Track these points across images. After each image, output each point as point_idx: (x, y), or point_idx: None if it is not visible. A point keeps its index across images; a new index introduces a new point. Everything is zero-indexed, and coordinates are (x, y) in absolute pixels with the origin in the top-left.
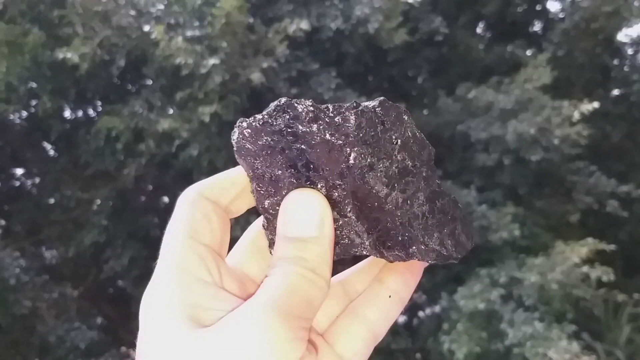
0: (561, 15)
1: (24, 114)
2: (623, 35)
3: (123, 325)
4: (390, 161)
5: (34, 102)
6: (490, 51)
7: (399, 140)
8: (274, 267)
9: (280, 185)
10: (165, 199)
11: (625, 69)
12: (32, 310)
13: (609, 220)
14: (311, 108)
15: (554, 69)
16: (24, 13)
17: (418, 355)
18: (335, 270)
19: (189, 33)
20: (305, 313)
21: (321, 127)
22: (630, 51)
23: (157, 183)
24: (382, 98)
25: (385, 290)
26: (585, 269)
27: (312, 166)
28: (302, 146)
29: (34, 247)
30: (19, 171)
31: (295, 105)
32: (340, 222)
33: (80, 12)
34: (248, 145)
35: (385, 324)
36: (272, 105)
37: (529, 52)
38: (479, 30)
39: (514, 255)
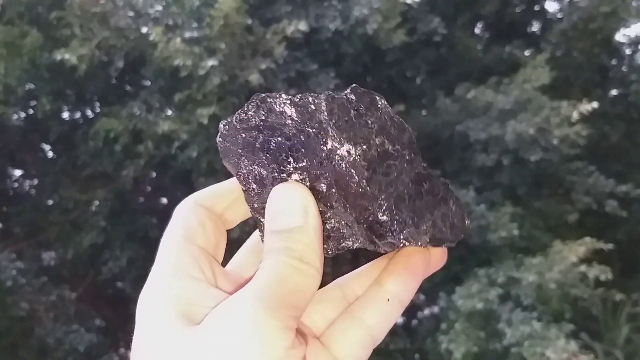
0: (559, 16)
1: (23, 115)
2: (621, 36)
3: (122, 327)
4: (368, 145)
5: (32, 104)
6: (488, 51)
7: (376, 125)
8: (262, 261)
9: (265, 182)
10: (164, 200)
11: (624, 69)
12: (30, 312)
13: (607, 220)
14: (284, 100)
15: (553, 69)
16: (22, 14)
17: (417, 355)
18: (340, 273)
19: (187, 34)
20: (294, 302)
21: (295, 117)
22: (628, 51)
23: (155, 184)
24: (353, 85)
25: (384, 293)
26: (583, 268)
27: (291, 159)
28: (280, 139)
29: (32, 248)
30: (17, 172)
31: (268, 98)
32: (328, 214)
33: (78, 14)
34: (230, 146)
35: (383, 328)
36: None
37: (527, 53)
38: (477, 30)
39: (512, 255)
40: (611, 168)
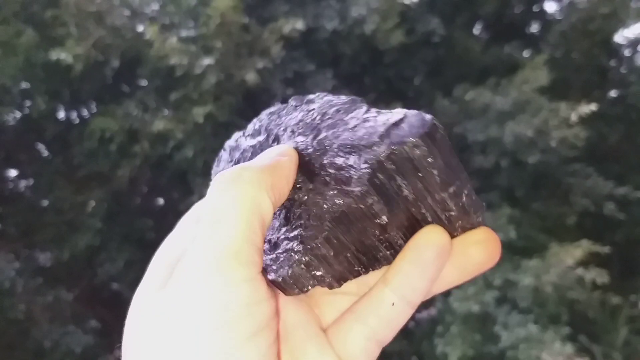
0: (558, 17)
1: (18, 114)
2: (620, 37)
3: (118, 329)
4: (311, 111)
5: (27, 103)
6: (487, 52)
7: (318, 104)
8: None
9: None
10: (160, 201)
11: (623, 70)
12: (26, 314)
13: (605, 222)
14: (241, 134)
15: (552, 71)
16: (17, 13)
17: (413, 357)
18: None
19: (183, 33)
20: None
21: (253, 136)
22: (627, 52)
23: (151, 184)
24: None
25: (389, 294)
26: (579, 271)
27: None
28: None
29: (27, 249)
30: (13, 173)
31: (232, 138)
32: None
33: (74, 13)
34: None
35: (389, 332)
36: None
37: (526, 54)
38: (476, 31)
39: (509, 257)
40: (610, 170)
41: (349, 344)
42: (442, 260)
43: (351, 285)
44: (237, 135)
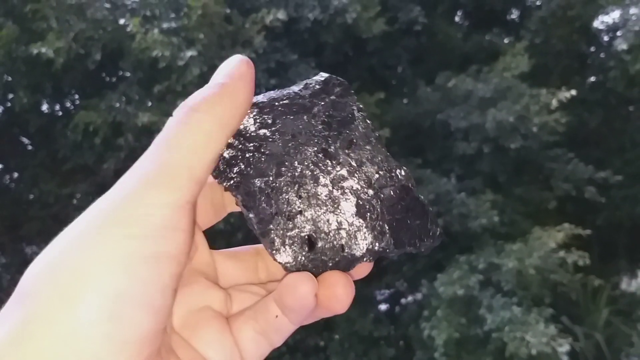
0: (538, 3)
1: (0, 108)
2: (599, 22)
3: None
4: None
5: (10, 97)
6: (468, 40)
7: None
8: None
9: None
10: None
11: (602, 55)
12: None
13: (586, 206)
14: None
15: (532, 57)
16: None
17: (401, 342)
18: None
19: (165, 25)
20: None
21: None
22: (606, 38)
23: None
24: None
25: (274, 307)
26: (562, 253)
27: None
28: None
29: (13, 243)
30: None
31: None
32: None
33: (54, 6)
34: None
35: (276, 336)
36: None
37: (507, 41)
38: (457, 19)
39: (492, 241)
40: (590, 154)
41: (242, 332)
42: (304, 308)
43: (258, 288)
44: None
